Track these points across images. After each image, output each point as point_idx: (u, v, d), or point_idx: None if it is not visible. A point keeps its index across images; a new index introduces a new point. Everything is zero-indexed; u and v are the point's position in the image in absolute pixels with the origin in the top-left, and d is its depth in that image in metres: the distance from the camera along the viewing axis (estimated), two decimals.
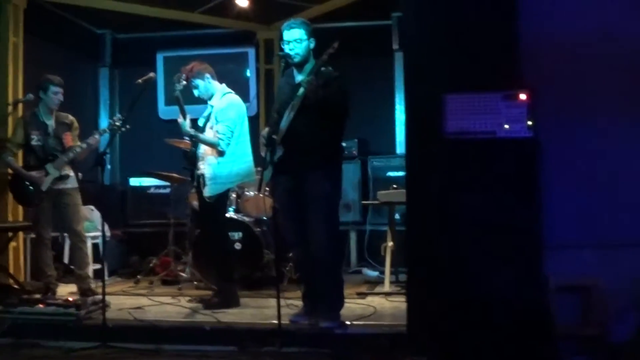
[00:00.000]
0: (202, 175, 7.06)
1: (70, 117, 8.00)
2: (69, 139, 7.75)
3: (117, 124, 7.24)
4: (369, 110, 10.30)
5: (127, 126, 7.11)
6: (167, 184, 9.91)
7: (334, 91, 5.87)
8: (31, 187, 7.61)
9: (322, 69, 5.94)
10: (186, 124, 6.95)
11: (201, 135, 7.05)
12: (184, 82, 7.11)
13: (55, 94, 7.75)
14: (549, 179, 5.07)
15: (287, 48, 6.04)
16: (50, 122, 7.79)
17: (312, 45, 6.10)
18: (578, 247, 5.10)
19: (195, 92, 7.26)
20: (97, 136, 7.68)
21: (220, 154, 6.99)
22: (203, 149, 7.10)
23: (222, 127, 6.98)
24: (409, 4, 5.48)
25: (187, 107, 7.05)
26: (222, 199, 7.25)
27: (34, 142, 7.68)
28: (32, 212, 7.87)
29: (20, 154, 7.91)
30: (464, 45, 5.22)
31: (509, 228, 4.97)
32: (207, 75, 7.20)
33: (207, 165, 7.02)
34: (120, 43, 11.98)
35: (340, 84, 5.99)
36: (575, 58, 5.24)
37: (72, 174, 7.81)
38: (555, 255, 5.02)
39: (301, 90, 5.82)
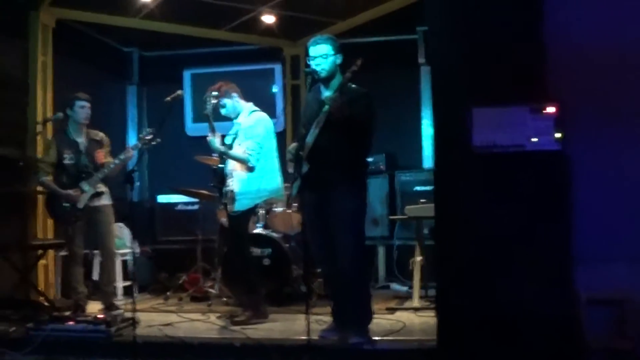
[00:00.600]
0: (231, 191, 7.09)
1: (101, 134, 8.06)
2: (101, 156, 7.78)
3: (147, 138, 7.30)
4: (396, 124, 10.29)
5: (158, 139, 7.15)
6: (196, 200, 9.96)
7: (359, 109, 5.87)
8: (67, 206, 7.66)
9: (349, 85, 5.95)
10: (216, 141, 7.00)
11: (231, 152, 7.10)
12: (214, 101, 7.15)
13: (82, 107, 7.78)
14: (579, 191, 5.05)
15: (313, 64, 6.04)
16: (81, 140, 7.84)
17: (338, 61, 6.10)
18: (610, 260, 5.06)
19: (222, 111, 7.34)
20: (130, 152, 7.72)
21: (250, 169, 7.02)
22: (231, 165, 7.14)
23: (251, 144, 7.03)
24: (435, 18, 5.48)
25: (214, 124, 7.10)
26: (247, 214, 7.31)
27: (66, 161, 7.72)
28: (66, 229, 7.88)
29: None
30: (491, 58, 5.22)
31: (539, 241, 4.95)
32: (234, 94, 7.28)
33: (236, 181, 7.05)
34: (148, 61, 12.04)
35: (366, 101, 5.99)
36: (605, 69, 5.22)
37: (105, 190, 7.88)
38: (586, 269, 4.99)
39: (326, 107, 5.83)
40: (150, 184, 11.87)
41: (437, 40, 5.53)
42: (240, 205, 7.06)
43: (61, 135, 7.91)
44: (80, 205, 7.64)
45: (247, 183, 7.04)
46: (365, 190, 6.18)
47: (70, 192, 7.64)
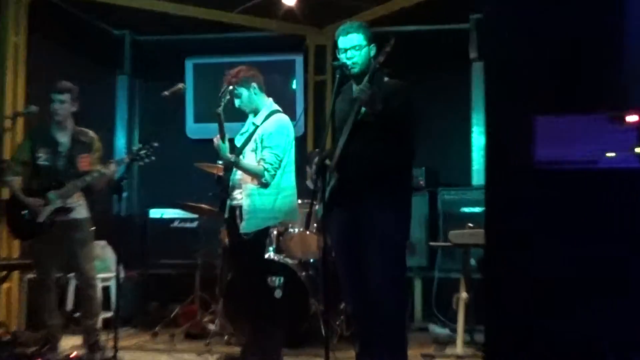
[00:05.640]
0: (239, 207, 6.95)
1: (91, 134, 7.83)
2: (85, 162, 7.51)
3: (141, 153, 7.10)
4: (441, 132, 10.32)
5: (153, 158, 7.02)
6: (195, 216, 9.99)
7: (396, 104, 5.83)
8: (25, 214, 7.42)
9: (386, 79, 5.94)
10: (226, 148, 6.76)
11: (244, 163, 6.89)
12: (228, 97, 7.01)
13: (57, 102, 7.56)
14: None
15: (343, 57, 6.00)
16: (63, 140, 7.64)
17: (372, 53, 6.06)
18: None
19: (236, 102, 7.10)
20: (111, 167, 7.45)
21: (263, 185, 6.89)
22: (240, 174, 7.01)
23: (270, 156, 6.85)
24: (493, 3, 5.46)
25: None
26: (261, 237, 7.11)
27: (40, 162, 7.52)
28: (32, 247, 7.73)
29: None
30: (560, 55, 5.19)
31: (618, 283, 4.90)
32: (255, 85, 7.06)
33: (246, 195, 6.92)
34: (142, 46, 12.11)
35: (404, 96, 5.96)
36: None
37: (81, 202, 7.64)
38: None
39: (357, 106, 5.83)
40: (142, 196, 11.92)
41: (494, 30, 5.49)
42: (249, 226, 6.87)
43: (42, 130, 7.73)
44: (40, 218, 7.38)
45: (258, 199, 6.88)
46: (408, 208, 6.11)
47: (31, 200, 7.40)
